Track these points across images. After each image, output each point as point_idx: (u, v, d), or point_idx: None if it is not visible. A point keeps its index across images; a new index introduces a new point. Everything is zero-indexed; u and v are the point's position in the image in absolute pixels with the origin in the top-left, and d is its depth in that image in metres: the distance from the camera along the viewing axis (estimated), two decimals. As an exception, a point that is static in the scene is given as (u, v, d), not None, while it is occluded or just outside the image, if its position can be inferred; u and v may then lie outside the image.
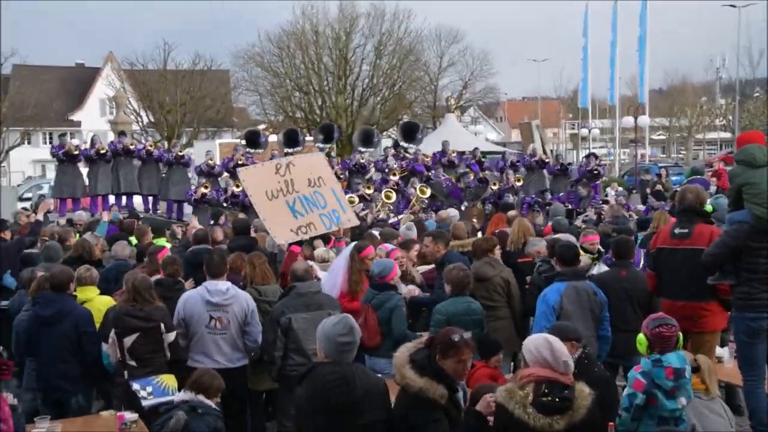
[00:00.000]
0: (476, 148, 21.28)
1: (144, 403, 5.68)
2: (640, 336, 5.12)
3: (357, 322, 4.55)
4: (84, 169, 18.65)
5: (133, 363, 5.96)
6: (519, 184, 18.62)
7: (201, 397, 5.20)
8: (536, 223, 11.52)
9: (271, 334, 6.18)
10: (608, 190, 19.81)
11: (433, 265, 7.96)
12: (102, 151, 18.23)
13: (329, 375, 4.25)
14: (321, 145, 21.24)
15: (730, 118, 53.18)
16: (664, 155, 63.35)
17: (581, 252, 8.39)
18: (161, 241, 9.85)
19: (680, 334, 5.16)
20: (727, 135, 59.06)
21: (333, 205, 9.49)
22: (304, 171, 9.18)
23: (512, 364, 7.36)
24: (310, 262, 7.51)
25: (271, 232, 8.71)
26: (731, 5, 45.27)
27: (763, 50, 53.03)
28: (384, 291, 6.73)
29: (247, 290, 6.73)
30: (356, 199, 16.90)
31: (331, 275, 7.44)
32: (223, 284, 6.36)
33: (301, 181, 8.81)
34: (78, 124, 55.79)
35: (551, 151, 30.73)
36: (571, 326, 5.43)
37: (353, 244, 7.76)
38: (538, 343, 4.10)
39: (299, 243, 8.43)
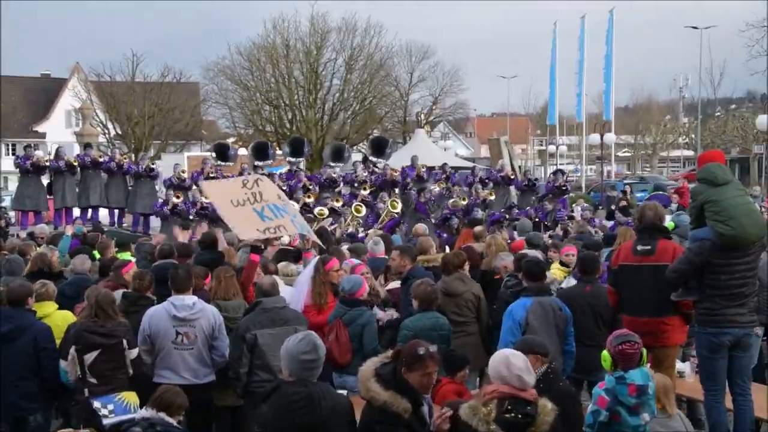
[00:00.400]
0: (445, 164, 21.35)
1: (105, 421, 5.57)
2: (604, 353, 5.16)
3: (327, 338, 4.53)
4: (46, 182, 18.37)
5: (93, 380, 5.84)
6: (492, 198, 18.74)
7: (162, 415, 5.10)
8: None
9: (236, 351, 6.10)
10: (574, 206, 20.04)
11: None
12: (74, 164, 18.00)
13: (294, 395, 4.24)
14: (292, 159, 21.20)
15: (693, 136, 54.14)
16: (630, 172, 64.14)
17: (558, 265, 8.49)
18: (125, 255, 9.71)
19: (644, 350, 5.21)
20: (690, 153, 60.10)
21: (302, 221, 9.34)
22: (272, 188, 9.01)
23: (478, 380, 7.37)
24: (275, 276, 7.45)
25: (235, 230, 8.41)
26: (693, 27, 46.21)
27: (723, 71, 54.20)
28: (355, 307, 6.68)
29: (211, 305, 6.63)
30: (326, 212, 16.88)
31: (297, 288, 7.38)
32: (189, 299, 6.26)
33: (269, 193, 8.62)
34: (43, 135, 54.97)
35: (519, 167, 30.94)
36: (537, 340, 5.46)
37: (318, 257, 7.71)
38: (497, 359, 4.13)
39: (259, 249, 8.14)
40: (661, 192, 20.23)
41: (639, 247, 6.48)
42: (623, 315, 6.53)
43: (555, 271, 8.49)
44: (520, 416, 3.88)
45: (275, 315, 6.21)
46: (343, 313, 6.68)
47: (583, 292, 7.03)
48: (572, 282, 7.86)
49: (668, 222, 8.97)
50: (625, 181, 35.77)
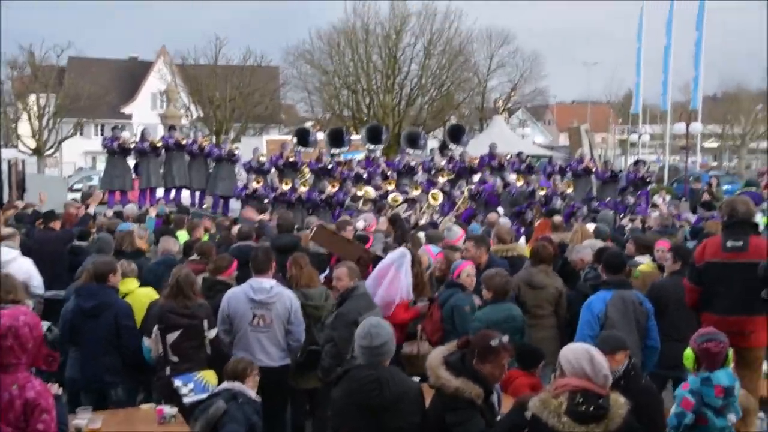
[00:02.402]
0: (521, 152, 21.00)
1: (185, 399, 5.72)
2: (688, 351, 5.01)
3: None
4: (131, 162, 18.93)
5: (175, 359, 6.00)
6: (569, 190, 18.32)
7: (240, 385, 5.28)
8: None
9: (346, 335, 5.84)
10: (656, 197, 19.41)
11: None
12: (157, 145, 18.51)
13: (363, 378, 4.32)
14: (371, 146, 21.25)
15: (786, 127, 51.87)
16: (716, 163, 62.04)
17: (649, 260, 8.18)
18: (205, 238, 9.94)
19: (729, 350, 5.03)
20: (782, 144, 57.67)
21: None
22: None
23: (553, 375, 7.25)
24: None
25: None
26: (790, 11, 44.09)
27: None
28: (450, 288, 6.85)
29: (295, 292, 6.63)
30: (400, 199, 16.90)
31: (385, 281, 7.17)
32: (268, 282, 6.34)
33: None
34: (129, 116, 56.80)
35: (599, 156, 30.25)
36: (620, 336, 5.34)
37: (400, 249, 7.57)
38: (578, 354, 4.03)
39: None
40: (753, 188, 19.37)
41: (729, 243, 6.24)
42: (707, 314, 6.30)
43: (644, 266, 8.15)
44: (592, 408, 3.80)
45: (369, 298, 6.42)
46: (441, 294, 6.90)
47: (678, 283, 6.82)
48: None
49: (761, 218, 8.61)
50: (711, 173, 34.59)
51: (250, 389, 5.37)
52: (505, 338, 4.50)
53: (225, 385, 5.36)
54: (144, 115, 52.61)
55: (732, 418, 4.82)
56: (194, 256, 7.92)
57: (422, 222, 14.04)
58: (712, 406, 4.78)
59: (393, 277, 7.12)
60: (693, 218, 15.14)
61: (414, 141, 21.78)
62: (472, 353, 4.39)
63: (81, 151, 54.12)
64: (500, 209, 15.45)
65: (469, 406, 4.23)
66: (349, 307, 6.19)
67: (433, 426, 4.33)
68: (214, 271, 7.06)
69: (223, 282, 6.92)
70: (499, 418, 4.47)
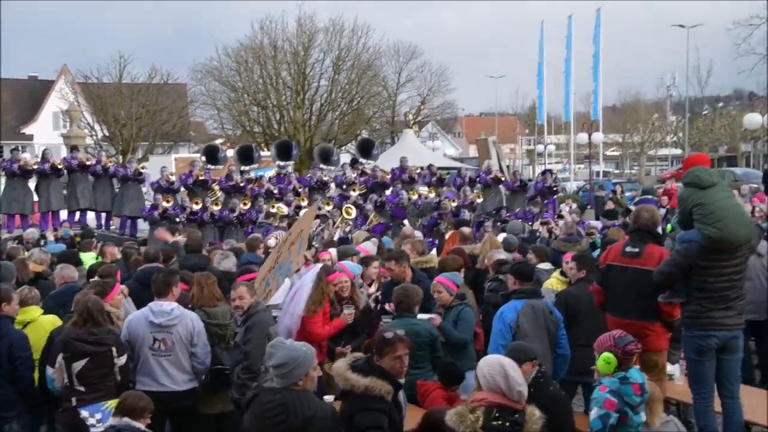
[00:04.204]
0: (431, 164, 21.31)
1: (93, 431, 5.53)
2: (608, 355, 5.02)
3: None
4: (33, 185, 18.23)
5: (81, 388, 5.78)
6: (480, 200, 18.67)
7: (127, 420, 5.12)
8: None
9: (260, 348, 5.70)
10: (562, 206, 20.01)
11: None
12: (59, 166, 17.88)
13: (269, 402, 4.24)
14: (282, 163, 21.13)
15: (681, 134, 54.35)
16: (618, 171, 64.35)
17: (558, 275, 8.24)
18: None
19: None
20: (678, 151, 60.33)
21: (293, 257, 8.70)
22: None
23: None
24: None
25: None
26: (680, 26, 46.39)
27: (710, 70, 54.40)
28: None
29: (197, 311, 6.54)
30: (313, 216, 16.85)
31: (297, 293, 7.10)
32: (168, 305, 6.20)
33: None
34: (30, 137, 54.72)
35: (507, 166, 30.95)
36: (528, 346, 5.43)
37: (322, 265, 7.56)
38: (493, 369, 4.10)
39: None
40: (649, 196, 20.18)
41: (628, 249, 6.45)
42: (609, 316, 6.49)
43: (554, 281, 8.19)
44: (507, 424, 3.87)
45: (271, 314, 6.47)
46: None
47: (584, 290, 7.01)
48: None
49: (668, 225, 8.96)
50: (614, 181, 35.88)
51: (139, 424, 5.17)
52: (400, 332, 4.59)
53: (111, 420, 5.18)
54: (46, 136, 50.77)
55: (643, 415, 4.96)
56: (95, 279, 7.66)
57: (335, 237, 14.02)
58: (630, 404, 4.90)
59: (299, 291, 7.09)
60: (599, 225, 15.66)
61: (326, 157, 21.83)
62: (372, 352, 4.50)
63: (-23, 174, 51.66)
64: (406, 222, 15.58)
65: (379, 404, 4.28)
66: (256, 320, 6.16)
67: (345, 429, 4.30)
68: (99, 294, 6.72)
69: None
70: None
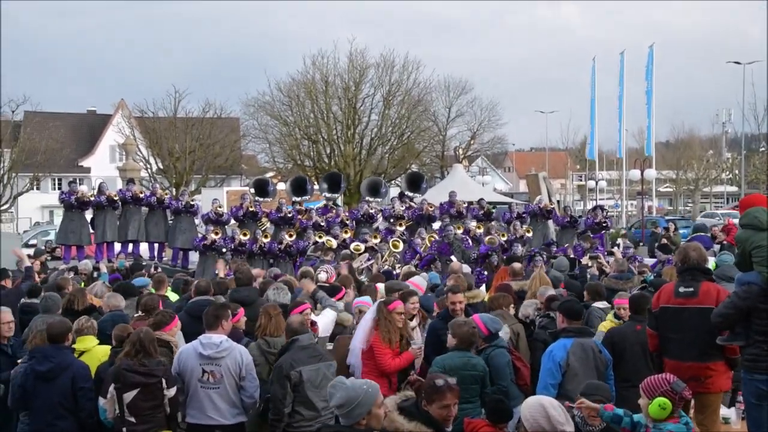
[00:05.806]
0: (481, 199, 21.21)
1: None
2: (664, 401, 4.88)
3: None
4: (89, 216, 18.68)
5: (132, 419, 5.87)
6: (529, 234, 18.49)
7: None
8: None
9: (280, 390, 6.02)
10: (619, 240, 19.66)
11: None
12: (114, 198, 18.31)
13: None
14: (328, 195, 21.31)
15: (736, 171, 53.21)
16: (671, 207, 63.30)
17: (612, 317, 7.96)
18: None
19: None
20: (734, 188, 59.09)
21: None
22: None
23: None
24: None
25: None
26: (736, 62, 45.69)
27: (767, 106, 53.27)
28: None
29: (258, 341, 6.68)
30: (362, 248, 16.88)
31: (357, 333, 7.27)
32: (218, 337, 6.25)
33: None
34: (88, 170, 56.32)
35: (558, 202, 30.68)
36: (603, 385, 5.37)
37: (381, 299, 7.59)
38: (534, 411, 4.09)
39: None
40: (702, 233, 19.77)
41: (681, 289, 6.32)
42: (666, 359, 6.36)
43: (607, 324, 7.86)
44: None
45: (313, 351, 6.29)
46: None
47: (634, 330, 6.90)
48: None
49: (711, 263, 8.73)
50: (667, 218, 35.25)
51: None
52: (452, 380, 4.54)
53: None
54: (103, 169, 52.19)
55: None
56: (139, 313, 7.79)
57: (382, 270, 13.99)
58: None
59: (359, 327, 7.23)
60: (651, 262, 15.37)
61: (375, 190, 21.90)
62: (421, 397, 4.48)
63: (37, 206, 53.27)
64: (453, 257, 15.45)
65: None
66: (282, 361, 6.18)
67: None
68: (155, 326, 6.78)
69: (161, 339, 6.60)
70: None
